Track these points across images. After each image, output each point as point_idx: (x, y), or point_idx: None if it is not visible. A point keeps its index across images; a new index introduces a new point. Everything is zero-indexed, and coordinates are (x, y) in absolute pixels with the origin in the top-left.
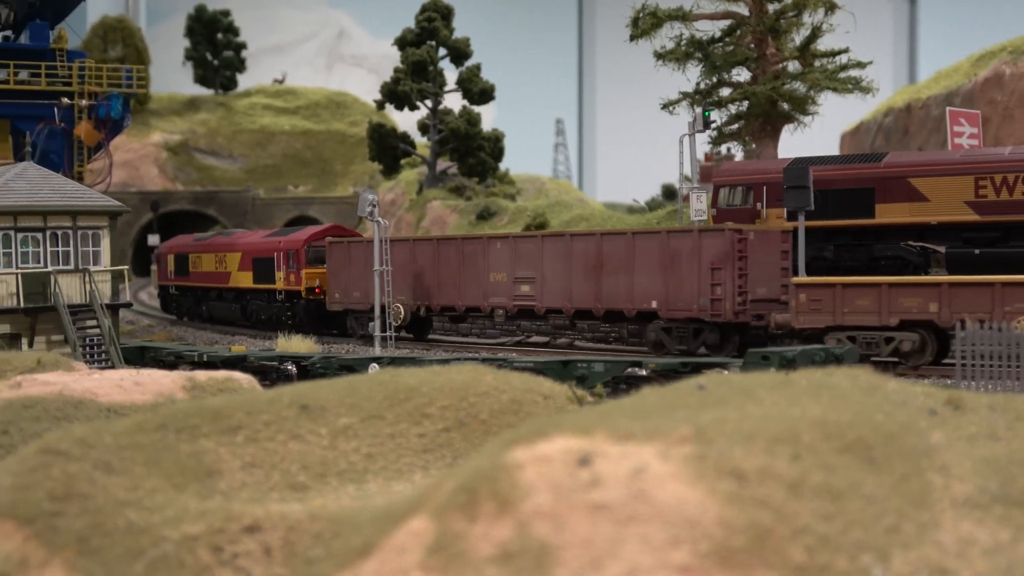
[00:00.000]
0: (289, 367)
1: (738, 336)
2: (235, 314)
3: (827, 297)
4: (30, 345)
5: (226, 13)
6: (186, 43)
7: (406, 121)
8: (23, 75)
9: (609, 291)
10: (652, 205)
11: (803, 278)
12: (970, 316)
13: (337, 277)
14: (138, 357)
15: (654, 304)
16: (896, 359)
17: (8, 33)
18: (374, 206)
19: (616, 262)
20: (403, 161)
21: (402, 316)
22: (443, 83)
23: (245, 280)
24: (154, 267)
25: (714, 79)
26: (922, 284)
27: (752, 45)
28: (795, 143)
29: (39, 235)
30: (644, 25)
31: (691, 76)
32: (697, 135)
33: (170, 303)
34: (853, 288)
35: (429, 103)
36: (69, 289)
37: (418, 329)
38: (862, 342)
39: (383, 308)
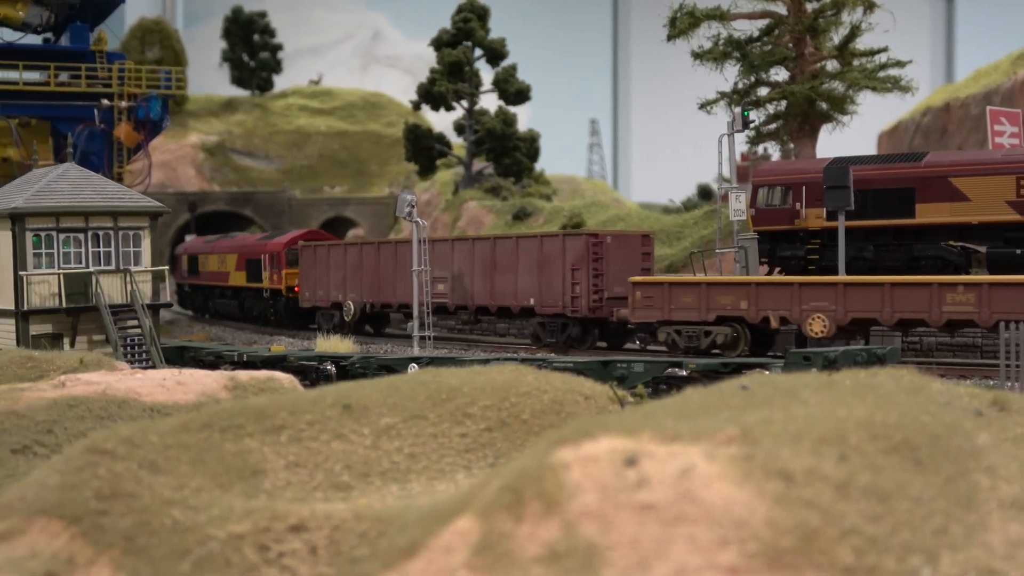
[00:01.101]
0: (328, 367)
1: (597, 329)
2: (234, 310)
3: (658, 295)
4: (72, 345)
5: (262, 15)
6: (223, 45)
7: (442, 122)
8: (63, 77)
9: (501, 289)
10: (688, 205)
11: (638, 277)
12: (773, 313)
13: (307, 277)
14: (178, 357)
15: (532, 301)
16: (717, 350)
17: (48, 35)
18: (412, 207)
19: (506, 264)
20: (439, 162)
21: (352, 311)
22: (479, 83)
23: (240, 279)
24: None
25: (752, 79)
26: (734, 284)
27: (790, 44)
28: (832, 143)
29: (81, 235)
30: (682, 25)
31: (728, 76)
32: (736, 135)
33: (185, 300)
34: (679, 286)
35: (465, 103)
36: (110, 289)
37: (375, 323)
38: (685, 335)
39: (419, 307)
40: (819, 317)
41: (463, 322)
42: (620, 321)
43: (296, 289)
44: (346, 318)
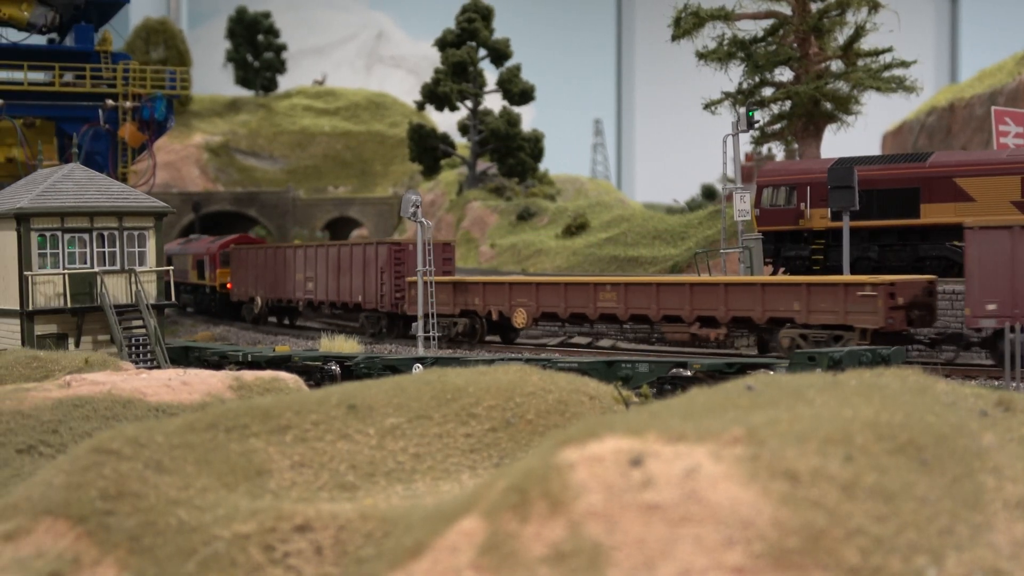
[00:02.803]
0: (333, 367)
1: (401, 321)
2: (191, 303)
3: (442, 293)
4: (76, 345)
5: (267, 15)
6: (227, 45)
7: (446, 122)
8: (68, 77)
9: (343, 288)
10: (692, 205)
11: (412, 278)
12: (494, 308)
13: (235, 276)
14: (182, 357)
15: (360, 298)
16: (464, 337)
17: (53, 36)
18: (417, 207)
19: (346, 266)
20: (443, 162)
21: (259, 306)
22: (483, 84)
23: (195, 277)
24: None
25: (756, 79)
26: (471, 283)
27: (795, 44)
28: (836, 143)
29: (86, 236)
30: (686, 25)
31: (733, 76)
32: (740, 135)
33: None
34: (439, 285)
35: (469, 104)
36: (115, 289)
37: (283, 316)
38: (441, 324)
39: (425, 311)
40: (521, 311)
41: (328, 315)
42: (404, 312)
43: (228, 286)
44: (255, 311)
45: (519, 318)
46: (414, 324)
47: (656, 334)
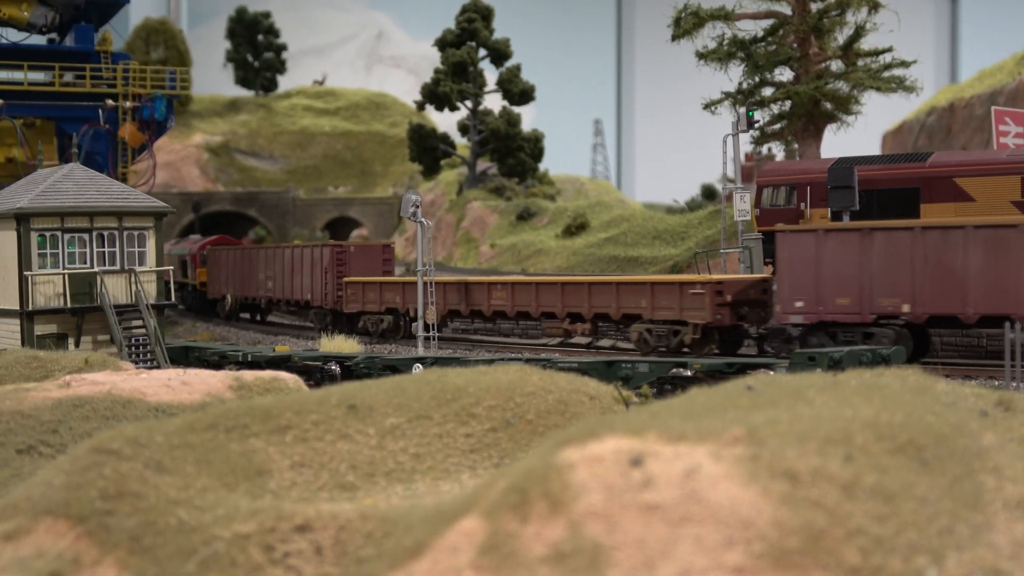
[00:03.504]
0: (333, 367)
1: (344, 317)
2: (178, 300)
3: (358, 291)
4: (76, 345)
5: (267, 15)
6: (227, 45)
7: (446, 122)
8: (68, 77)
9: (295, 287)
10: (692, 205)
11: (349, 278)
12: (411, 306)
13: (211, 275)
14: (183, 357)
15: (309, 296)
16: (390, 334)
17: (53, 36)
18: (417, 207)
19: (297, 267)
20: (443, 162)
21: (229, 303)
22: (483, 84)
23: (180, 276)
24: None
25: (756, 79)
26: (392, 283)
27: (795, 44)
28: (836, 143)
29: (85, 236)
30: (686, 25)
31: (733, 76)
32: (740, 135)
33: None
34: (368, 284)
35: (469, 104)
36: (115, 289)
37: (254, 313)
38: (366, 321)
39: (423, 308)
40: (431, 309)
41: (285, 311)
42: (343, 310)
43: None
44: (226, 308)
45: (431, 315)
46: (414, 324)
47: (539, 329)
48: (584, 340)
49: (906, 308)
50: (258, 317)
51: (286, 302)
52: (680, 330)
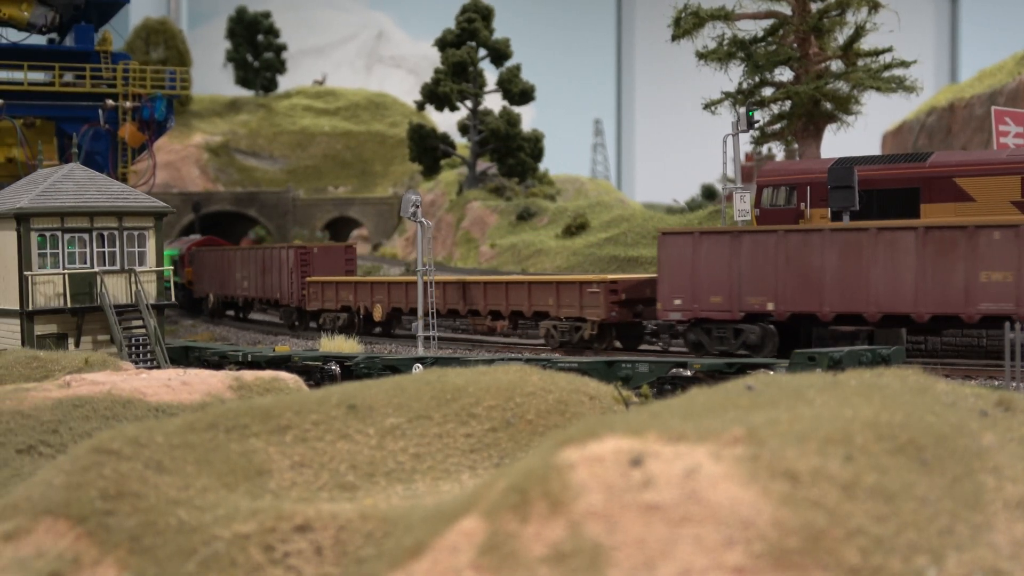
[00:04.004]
0: (333, 367)
1: (307, 314)
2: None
3: (318, 290)
4: (76, 345)
5: (267, 15)
6: (227, 45)
7: (446, 122)
8: (68, 77)
9: (266, 286)
10: (692, 205)
11: (312, 277)
12: (362, 304)
13: (196, 274)
14: (183, 357)
15: (278, 295)
16: (345, 330)
17: (53, 36)
18: (417, 207)
19: (268, 267)
20: (443, 162)
21: (212, 301)
22: (483, 84)
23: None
24: None
25: (756, 79)
26: (346, 282)
27: (795, 44)
28: (836, 143)
29: (85, 236)
30: (686, 25)
31: (733, 76)
32: (740, 135)
33: None
34: (326, 284)
35: (469, 104)
36: (115, 289)
37: (240, 311)
38: (325, 318)
39: (425, 309)
40: (378, 306)
41: (259, 309)
42: (306, 307)
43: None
44: (209, 306)
45: (377, 312)
46: (414, 324)
47: (467, 325)
48: (504, 335)
49: (771, 306)
50: (240, 315)
51: (259, 300)
52: (581, 326)
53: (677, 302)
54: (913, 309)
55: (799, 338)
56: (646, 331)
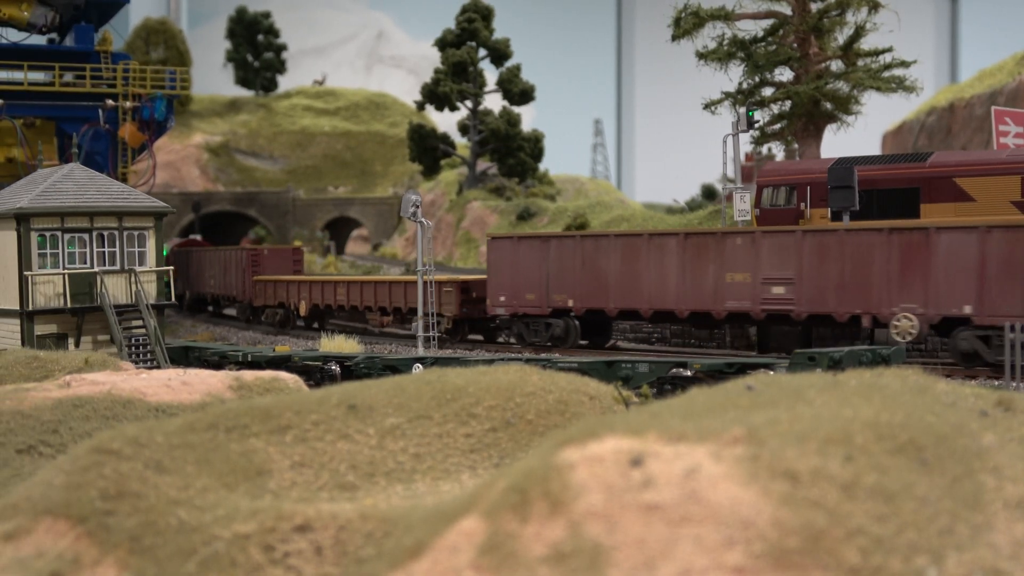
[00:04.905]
0: (333, 367)
1: (257, 310)
2: None
3: (263, 288)
4: (76, 345)
5: (267, 15)
6: (227, 45)
7: (446, 122)
8: (68, 77)
9: (226, 284)
10: (692, 205)
11: (258, 276)
12: (292, 301)
13: (178, 272)
14: (183, 357)
15: (235, 292)
16: (281, 326)
17: (53, 36)
18: (417, 207)
19: (227, 266)
20: (443, 162)
21: (187, 298)
22: (483, 84)
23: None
24: None
25: (756, 79)
26: (282, 281)
27: (795, 44)
28: (836, 143)
29: (85, 236)
30: (686, 25)
31: (733, 76)
32: (740, 135)
33: None
34: (267, 282)
35: (469, 104)
36: (115, 289)
37: (216, 307)
38: (267, 313)
39: (423, 308)
40: (303, 303)
41: (224, 305)
42: (263, 305)
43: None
44: (184, 303)
45: (302, 308)
46: (414, 324)
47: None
48: (390, 328)
49: (571, 303)
50: (212, 309)
51: (223, 297)
52: (441, 320)
53: (502, 299)
54: (675, 306)
55: (599, 330)
56: (492, 325)
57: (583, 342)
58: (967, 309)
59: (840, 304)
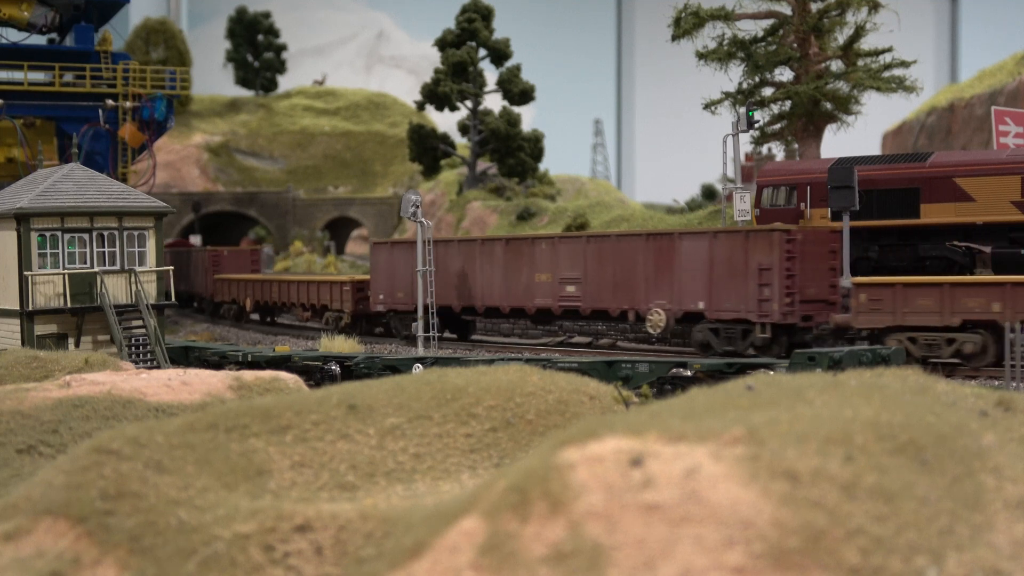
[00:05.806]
0: (333, 367)
1: (218, 305)
2: None
3: (222, 285)
4: (76, 345)
5: (267, 15)
6: (227, 45)
7: (446, 122)
8: (68, 77)
9: (196, 282)
10: (692, 205)
11: (219, 275)
12: (240, 297)
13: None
14: (183, 357)
15: (202, 289)
16: (233, 319)
17: (53, 36)
18: (417, 207)
19: (196, 266)
20: (443, 162)
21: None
22: (483, 84)
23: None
24: None
25: (756, 79)
26: (235, 279)
27: (795, 44)
28: (836, 143)
29: (86, 236)
30: (686, 25)
31: (733, 76)
32: (740, 135)
33: None
34: (223, 280)
35: (469, 104)
36: (115, 289)
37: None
38: (225, 308)
39: (426, 308)
40: (248, 299)
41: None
42: (247, 306)
43: None
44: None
45: (247, 304)
46: (414, 324)
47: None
48: (314, 324)
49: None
50: (195, 305)
51: (195, 294)
52: (342, 316)
53: (381, 297)
54: (500, 303)
55: (462, 325)
56: (383, 320)
57: (452, 335)
58: (701, 305)
59: (613, 301)
